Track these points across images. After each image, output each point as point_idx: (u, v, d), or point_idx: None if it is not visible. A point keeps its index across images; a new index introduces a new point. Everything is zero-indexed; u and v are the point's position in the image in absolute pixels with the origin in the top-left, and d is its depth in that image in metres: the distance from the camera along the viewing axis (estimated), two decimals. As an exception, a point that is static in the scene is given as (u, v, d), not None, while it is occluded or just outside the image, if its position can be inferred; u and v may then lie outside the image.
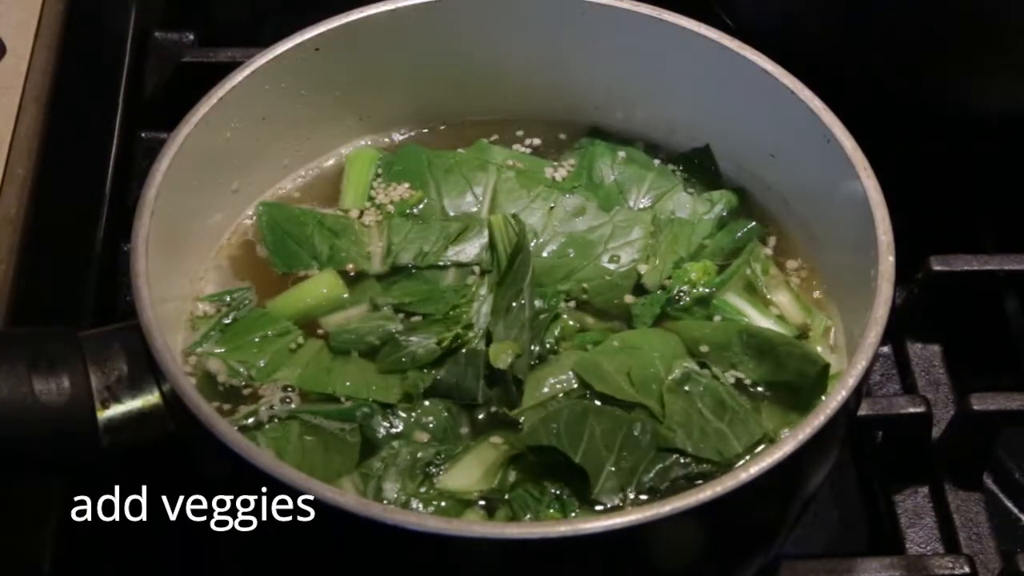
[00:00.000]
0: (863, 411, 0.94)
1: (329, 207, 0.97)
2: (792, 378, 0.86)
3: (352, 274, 0.92)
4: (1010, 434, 1.02)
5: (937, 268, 1.04)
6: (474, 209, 0.95)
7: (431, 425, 0.84)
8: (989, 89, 1.10)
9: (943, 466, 1.00)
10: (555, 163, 0.99)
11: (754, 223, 0.96)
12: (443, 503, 0.81)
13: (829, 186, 0.89)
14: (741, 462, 0.82)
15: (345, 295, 0.91)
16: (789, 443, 0.75)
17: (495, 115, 1.01)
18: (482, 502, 0.81)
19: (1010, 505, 1.03)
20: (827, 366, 0.85)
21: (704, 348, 0.88)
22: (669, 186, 0.97)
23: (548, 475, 0.82)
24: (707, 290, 0.91)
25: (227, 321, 0.90)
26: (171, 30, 1.21)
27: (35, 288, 1.00)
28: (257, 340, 0.88)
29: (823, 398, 0.80)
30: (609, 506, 0.81)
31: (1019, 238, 1.11)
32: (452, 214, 0.95)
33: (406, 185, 0.97)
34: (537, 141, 1.01)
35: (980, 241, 1.15)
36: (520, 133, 1.01)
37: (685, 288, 0.91)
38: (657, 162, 0.99)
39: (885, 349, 1.08)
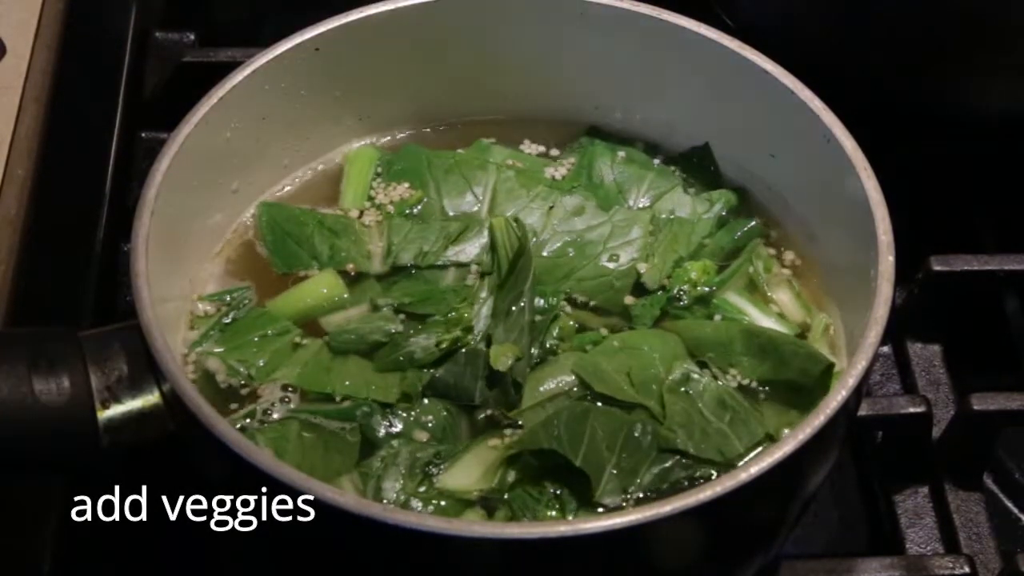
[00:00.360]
0: (863, 411, 0.94)
1: (329, 207, 0.97)
2: (795, 377, 0.86)
3: (352, 274, 0.92)
4: (1010, 434, 1.02)
5: (937, 268, 1.04)
6: (474, 209, 0.96)
7: (430, 425, 0.84)
8: (989, 89, 1.10)
9: (943, 466, 1.00)
10: (555, 162, 0.99)
11: (754, 222, 0.96)
12: (442, 503, 0.81)
13: (829, 186, 0.89)
14: (742, 462, 0.82)
15: (345, 295, 0.91)
16: (789, 443, 0.75)
17: (495, 115, 1.01)
18: (481, 502, 0.81)
19: (1010, 505, 1.03)
20: (831, 365, 0.85)
21: (704, 348, 0.88)
22: (668, 186, 0.97)
23: (547, 475, 0.81)
24: (707, 289, 0.91)
25: (227, 320, 0.90)
26: (171, 30, 1.21)
27: (35, 288, 1.00)
28: (257, 339, 0.88)
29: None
30: (611, 507, 0.81)
31: (1019, 238, 1.11)
32: (452, 214, 0.95)
33: (406, 185, 0.97)
34: (537, 141, 1.01)
35: (980, 241, 1.15)
36: (519, 133, 1.01)
37: (685, 287, 0.91)
38: (656, 162, 0.99)
39: (885, 349, 1.08)
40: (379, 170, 0.98)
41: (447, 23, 0.96)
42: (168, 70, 1.18)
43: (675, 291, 0.91)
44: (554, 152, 1.00)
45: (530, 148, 1.00)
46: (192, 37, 1.21)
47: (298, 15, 0.96)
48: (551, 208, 0.95)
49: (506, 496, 0.81)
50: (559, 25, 0.95)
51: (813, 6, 1.11)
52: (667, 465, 0.82)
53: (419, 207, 0.96)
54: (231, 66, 0.92)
